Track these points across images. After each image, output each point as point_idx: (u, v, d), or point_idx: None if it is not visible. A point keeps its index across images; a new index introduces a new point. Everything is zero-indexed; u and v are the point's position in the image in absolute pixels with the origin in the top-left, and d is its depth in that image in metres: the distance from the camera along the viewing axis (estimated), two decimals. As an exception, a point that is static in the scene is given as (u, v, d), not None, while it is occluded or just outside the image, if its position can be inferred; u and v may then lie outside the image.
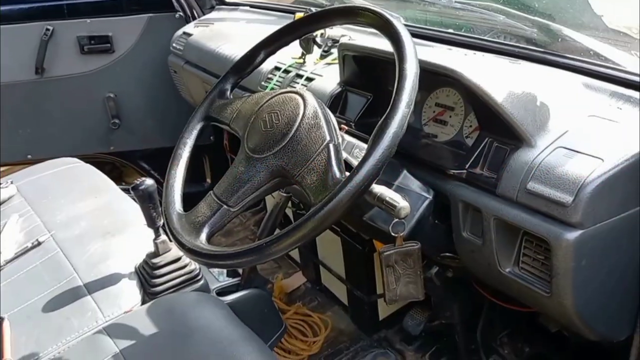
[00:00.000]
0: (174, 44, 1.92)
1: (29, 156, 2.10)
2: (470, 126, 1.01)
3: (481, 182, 0.89)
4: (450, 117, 1.04)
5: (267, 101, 0.86)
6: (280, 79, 1.38)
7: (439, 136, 1.06)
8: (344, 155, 0.83)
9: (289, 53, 1.40)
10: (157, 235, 1.11)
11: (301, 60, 1.38)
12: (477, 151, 0.91)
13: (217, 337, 0.95)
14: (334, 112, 1.17)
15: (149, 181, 1.06)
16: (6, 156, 2.10)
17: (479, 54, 1.14)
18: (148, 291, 1.09)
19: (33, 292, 1.07)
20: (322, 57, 1.37)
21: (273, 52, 0.97)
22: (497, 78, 0.90)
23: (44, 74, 1.98)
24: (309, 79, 1.29)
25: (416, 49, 0.76)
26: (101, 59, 2.03)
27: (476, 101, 0.89)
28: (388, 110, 0.70)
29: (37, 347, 0.95)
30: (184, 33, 1.92)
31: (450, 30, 1.32)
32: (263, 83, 1.42)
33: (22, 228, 1.30)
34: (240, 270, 1.32)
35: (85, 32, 1.97)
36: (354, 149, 0.87)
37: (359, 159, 0.82)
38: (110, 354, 0.91)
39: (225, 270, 1.34)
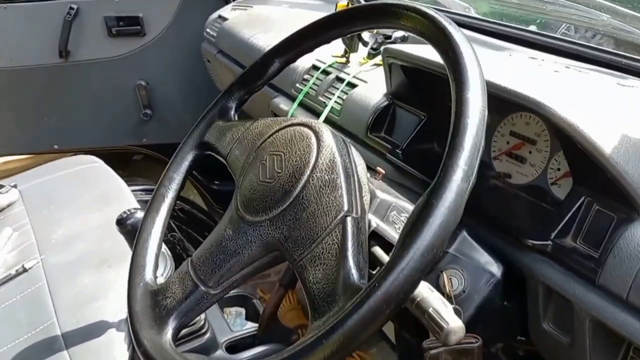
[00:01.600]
0: (207, 29, 1.70)
1: (55, 146, 1.97)
2: (559, 169, 0.73)
3: (574, 263, 0.62)
4: (530, 153, 0.76)
5: (272, 134, 0.62)
6: (318, 82, 1.13)
7: (513, 177, 0.78)
8: (374, 226, 0.58)
9: (330, 50, 1.15)
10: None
11: (344, 60, 1.12)
12: (570, 213, 0.64)
13: None
14: (378, 132, 0.94)
15: (139, 214, 0.85)
16: (31, 146, 1.98)
17: (573, 66, 0.85)
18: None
19: (3, 339, 0.89)
20: (370, 56, 1.11)
21: (291, 61, 0.72)
22: (604, 114, 0.62)
23: (69, 58, 1.81)
24: (351, 85, 1.04)
25: (482, 77, 0.49)
26: (131, 43, 1.84)
27: (568, 142, 0.61)
28: (435, 181, 0.44)
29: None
30: (219, 17, 1.68)
31: (533, 29, 1.02)
32: (298, 85, 1.17)
33: (13, 246, 1.13)
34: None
35: (112, 12, 1.78)
36: (391, 211, 0.61)
37: (395, 240, 0.57)
38: None
39: (242, 313, 1.13)
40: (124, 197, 1.31)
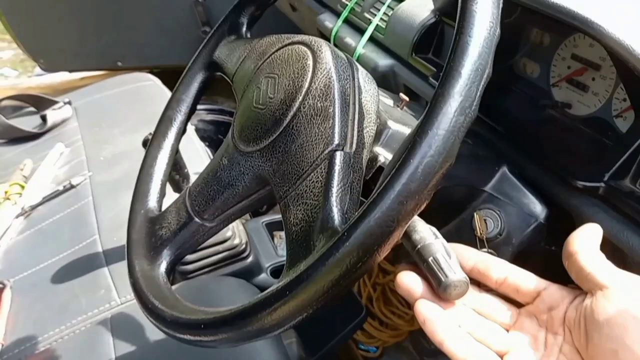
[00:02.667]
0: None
1: (119, 63, 1.99)
2: (625, 99, 0.61)
3: (630, 209, 0.54)
4: (593, 79, 0.65)
5: (272, 54, 0.55)
6: (365, -5, 1.02)
7: (574, 107, 0.67)
8: (382, 160, 0.51)
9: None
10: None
11: (394, -30, 0.99)
12: (630, 151, 0.54)
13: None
14: (424, 52, 0.84)
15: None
16: (95, 61, 2.01)
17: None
18: (178, 269, 0.90)
19: (48, 253, 0.94)
20: (424, -36, 0.97)
21: None
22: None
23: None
24: (399, -1, 0.92)
25: None
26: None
27: (625, 67, 0.50)
28: (423, 114, 0.36)
29: (34, 328, 0.82)
30: None
31: None
32: (344, 0, 1.07)
33: (64, 162, 1.17)
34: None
35: None
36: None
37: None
38: (105, 358, 0.75)
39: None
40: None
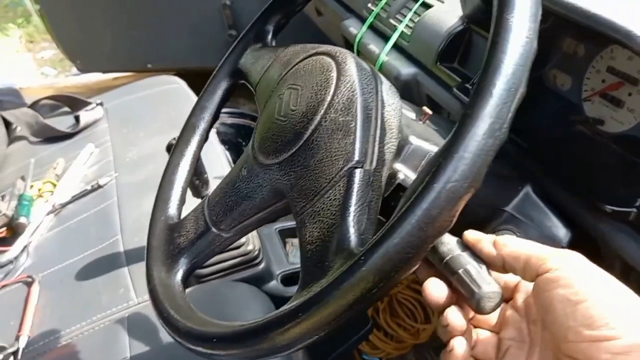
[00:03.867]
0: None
1: (149, 65, 2.03)
2: (663, 117, 0.59)
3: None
4: (629, 95, 0.62)
5: (296, 64, 0.54)
6: (391, 1, 1.00)
7: (606, 123, 0.65)
8: (401, 178, 0.50)
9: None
10: (205, 204, 0.90)
11: (423, -25, 0.98)
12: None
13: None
14: (450, 60, 0.82)
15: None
16: (126, 63, 2.06)
17: None
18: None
19: (74, 250, 0.96)
20: (453, -29, 0.96)
21: None
22: None
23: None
24: (426, 5, 0.91)
25: None
26: (217, -40, 1.79)
27: None
28: (450, 134, 0.34)
29: (59, 323, 0.85)
30: None
31: None
32: (369, 5, 1.06)
33: (94, 162, 1.20)
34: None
35: None
36: (426, 160, 0.52)
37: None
38: (120, 356, 0.77)
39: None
40: (198, 119, 1.31)
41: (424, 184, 0.33)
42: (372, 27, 1.03)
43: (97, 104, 1.36)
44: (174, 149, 0.64)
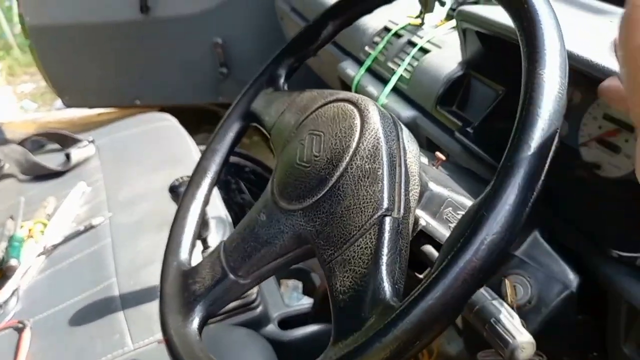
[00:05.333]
0: (282, -16, 1.63)
1: (137, 102, 2.03)
2: (661, 163, 0.60)
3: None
4: (626, 141, 0.64)
5: (316, 110, 0.55)
6: (389, 45, 1.04)
7: (603, 168, 0.67)
8: (423, 224, 0.51)
9: (405, 9, 1.05)
10: (205, 247, 0.90)
11: (418, 22, 1.02)
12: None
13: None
14: (449, 106, 0.84)
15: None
16: (115, 99, 2.06)
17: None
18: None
19: (67, 293, 0.93)
20: (448, 18, 1.00)
21: (346, 24, 0.64)
22: None
23: (149, 14, 1.82)
24: (424, 50, 0.94)
25: (564, 54, 0.39)
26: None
27: None
28: (489, 186, 0.36)
29: (50, 371, 0.81)
30: (295, -29, 1.61)
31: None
32: (367, 48, 1.09)
33: (86, 201, 1.18)
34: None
35: (192, -33, 1.76)
36: (445, 207, 0.53)
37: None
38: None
39: (299, 287, 1.11)
40: (192, 159, 1.31)
41: (466, 236, 0.34)
42: (369, 70, 1.06)
43: (90, 142, 1.34)
44: (185, 192, 0.64)
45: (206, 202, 0.65)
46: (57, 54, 1.95)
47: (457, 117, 0.81)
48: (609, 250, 0.55)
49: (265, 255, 0.51)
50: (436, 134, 0.84)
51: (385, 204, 0.44)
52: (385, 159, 0.46)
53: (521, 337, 0.37)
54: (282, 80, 0.67)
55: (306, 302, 1.05)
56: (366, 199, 0.45)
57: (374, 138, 0.48)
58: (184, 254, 0.60)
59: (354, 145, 0.48)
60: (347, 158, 0.48)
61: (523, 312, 0.58)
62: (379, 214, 0.44)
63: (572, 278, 0.58)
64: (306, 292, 1.12)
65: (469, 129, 0.77)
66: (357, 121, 0.50)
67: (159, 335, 0.84)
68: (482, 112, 0.77)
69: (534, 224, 0.61)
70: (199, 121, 2.36)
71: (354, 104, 0.52)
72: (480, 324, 0.40)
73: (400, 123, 0.52)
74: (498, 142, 0.71)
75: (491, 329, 0.39)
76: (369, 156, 0.47)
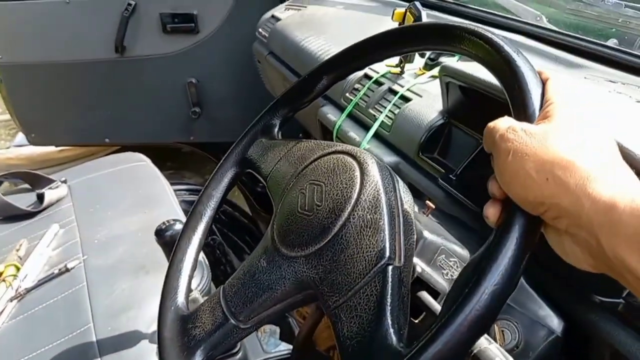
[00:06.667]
0: (259, 29, 1.67)
1: (107, 140, 2.01)
2: None
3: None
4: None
5: (314, 160, 0.57)
6: (370, 92, 1.07)
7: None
8: (419, 271, 0.53)
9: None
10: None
11: (398, 70, 1.06)
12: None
13: None
14: (431, 153, 0.88)
15: (178, 226, 0.84)
16: (84, 137, 2.03)
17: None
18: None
19: (41, 340, 0.90)
20: (427, 67, 1.04)
21: (340, 78, 0.67)
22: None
23: (124, 53, 1.83)
24: (405, 98, 0.98)
25: None
26: (184, 40, 1.84)
27: None
28: (491, 238, 0.39)
29: None
30: (272, 16, 1.65)
31: (613, 44, 0.93)
32: (347, 95, 1.12)
33: (59, 244, 1.14)
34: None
35: (169, 8, 1.78)
36: (439, 255, 0.55)
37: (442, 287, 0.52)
38: None
39: (276, 332, 1.10)
40: (167, 200, 1.30)
41: (471, 286, 0.36)
42: (350, 116, 1.09)
43: (62, 182, 1.32)
44: (181, 236, 0.64)
45: (201, 246, 0.65)
46: (27, 92, 1.92)
47: (440, 164, 0.84)
48: (591, 295, 0.58)
49: (266, 300, 0.52)
50: (419, 180, 0.87)
51: (388, 253, 0.46)
52: (385, 209, 0.49)
53: None
54: (276, 129, 0.69)
55: (284, 348, 1.04)
56: (369, 248, 0.47)
57: (374, 190, 0.50)
58: (180, 298, 0.59)
59: (355, 196, 0.50)
60: (349, 208, 0.49)
61: (511, 356, 0.60)
62: (382, 262, 0.45)
63: (557, 323, 0.61)
64: (283, 337, 1.11)
65: (451, 176, 0.80)
66: (357, 173, 0.52)
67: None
68: (463, 160, 0.80)
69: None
70: (165, 158, 2.34)
71: (353, 156, 0.54)
72: None
73: (395, 174, 0.54)
74: (480, 189, 0.75)
75: None
76: (370, 207, 0.49)
